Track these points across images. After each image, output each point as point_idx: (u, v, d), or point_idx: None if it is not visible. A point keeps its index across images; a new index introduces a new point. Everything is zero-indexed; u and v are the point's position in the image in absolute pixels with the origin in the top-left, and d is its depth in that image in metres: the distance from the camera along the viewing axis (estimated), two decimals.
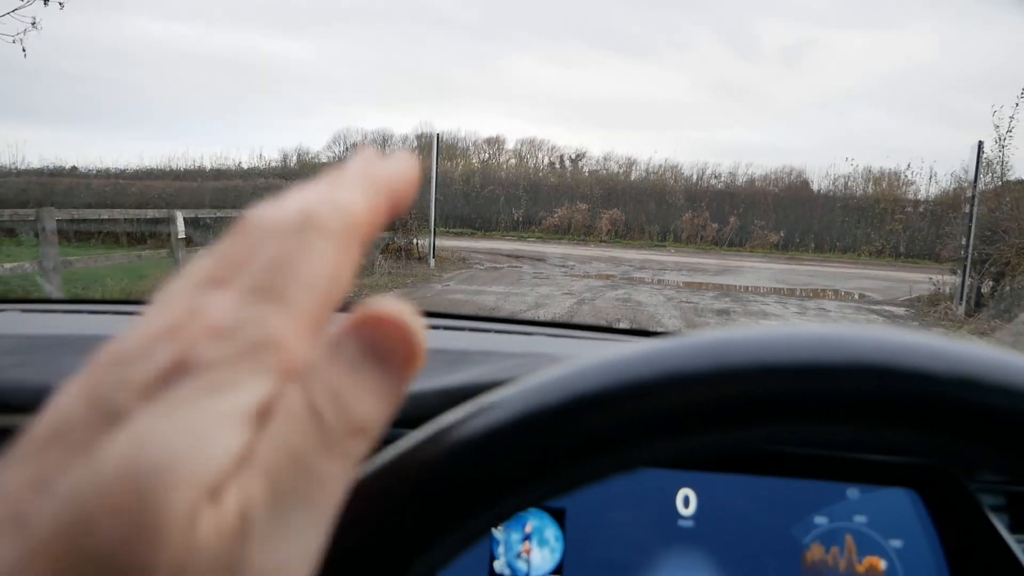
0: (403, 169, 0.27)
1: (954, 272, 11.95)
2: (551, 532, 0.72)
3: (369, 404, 0.23)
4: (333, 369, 0.23)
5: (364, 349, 0.23)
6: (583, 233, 24.95)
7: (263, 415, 0.21)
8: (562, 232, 25.13)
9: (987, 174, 12.83)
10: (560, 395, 0.28)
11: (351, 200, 0.25)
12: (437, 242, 14.89)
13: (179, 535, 0.19)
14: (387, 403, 0.23)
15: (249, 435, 0.21)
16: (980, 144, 11.70)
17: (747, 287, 13.84)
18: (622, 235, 24.93)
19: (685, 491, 0.73)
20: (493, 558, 0.72)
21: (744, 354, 0.27)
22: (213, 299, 0.22)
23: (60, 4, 10.18)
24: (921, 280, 13.25)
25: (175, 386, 0.20)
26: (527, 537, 0.72)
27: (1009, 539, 0.68)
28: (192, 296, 0.22)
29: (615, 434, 0.28)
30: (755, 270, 17.23)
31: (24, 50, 10.33)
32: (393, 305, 0.24)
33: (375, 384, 0.23)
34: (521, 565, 0.72)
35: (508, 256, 17.30)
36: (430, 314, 1.54)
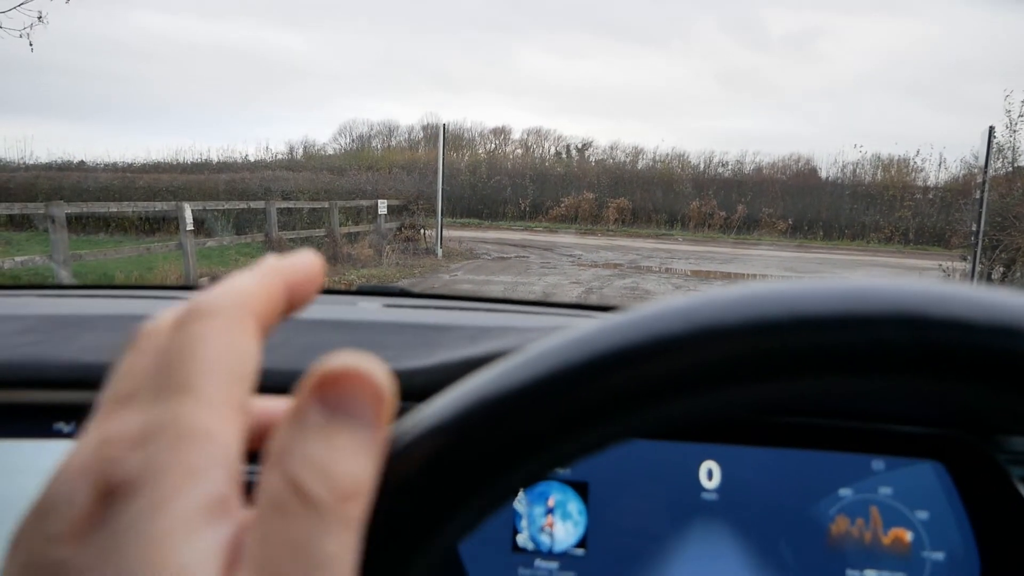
0: (304, 262, 0.28)
1: (964, 259, 11.89)
2: (574, 506, 0.72)
3: (353, 464, 0.22)
4: (305, 441, 0.21)
5: (330, 411, 0.22)
6: (590, 222, 24.90)
7: (222, 510, 0.20)
8: (569, 221, 25.09)
9: (998, 160, 12.75)
10: (600, 347, 0.27)
11: (241, 284, 0.25)
12: (444, 232, 14.88)
13: None
14: (370, 456, 0.22)
15: (217, 538, 0.19)
16: (991, 129, 11.60)
17: (755, 275, 13.80)
18: (629, 224, 24.87)
19: (708, 464, 0.72)
20: (516, 532, 0.72)
21: (780, 306, 0.27)
22: (122, 416, 0.21)
23: None
24: (931, 267, 13.19)
25: (114, 517, 0.19)
26: (550, 511, 0.72)
27: None
28: (101, 425, 0.21)
29: (649, 390, 0.27)
30: (763, 258, 17.17)
31: (31, 45, 10.35)
32: (345, 358, 0.23)
33: (353, 442, 0.22)
34: (544, 539, 0.72)
35: (515, 246, 17.28)
36: (446, 296, 1.54)
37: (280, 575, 0.20)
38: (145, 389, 0.21)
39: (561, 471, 0.72)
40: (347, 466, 0.22)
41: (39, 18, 10.22)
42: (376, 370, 0.23)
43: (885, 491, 0.71)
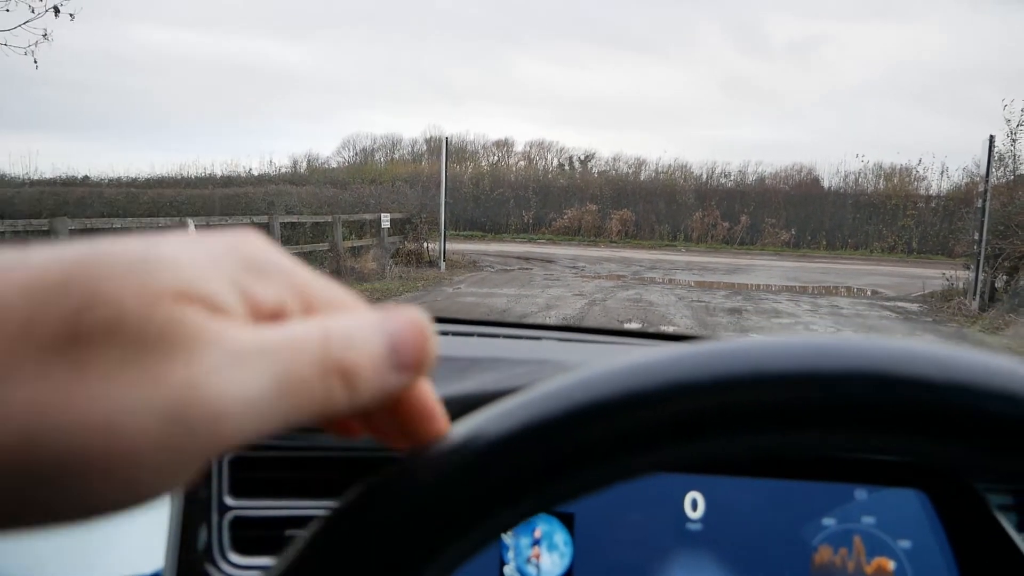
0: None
1: (967, 267, 11.87)
2: (560, 537, 0.73)
3: (372, 364, 0.24)
4: (356, 324, 0.24)
5: (385, 336, 0.25)
6: (593, 234, 24.92)
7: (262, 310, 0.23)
8: (572, 233, 25.11)
9: (999, 168, 12.74)
10: (585, 397, 0.28)
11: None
12: (447, 245, 14.91)
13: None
14: (385, 381, 0.25)
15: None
16: (991, 138, 11.61)
17: (759, 285, 13.79)
18: (632, 235, 24.89)
19: (693, 494, 0.73)
20: (503, 563, 0.73)
21: (750, 362, 0.28)
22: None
23: (71, 16, 10.28)
24: (934, 276, 13.16)
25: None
26: (536, 542, 0.73)
27: (1017, 538, 0.68)
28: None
29: (626, 441, 0.28)
30: (766, 268, 17.16)
31: (36, 62, 10.43)
32: (417, 313, 0.26)
33: (384, 359, 0.24)
34: (531, 570, 0.73)
35: (518, 258, 17.30)
36: (439, 319, 1.55)
37: (269, 350, 0.22)
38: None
39: None
40: (365, 358, 0.24)
41: (44, 36, 10.32)
42: (434, 340, 0.27)
43: (868, 520, 0.72)
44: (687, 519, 0.73)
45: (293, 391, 0.22)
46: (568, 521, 0.73)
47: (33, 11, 10.10)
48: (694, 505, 0.73)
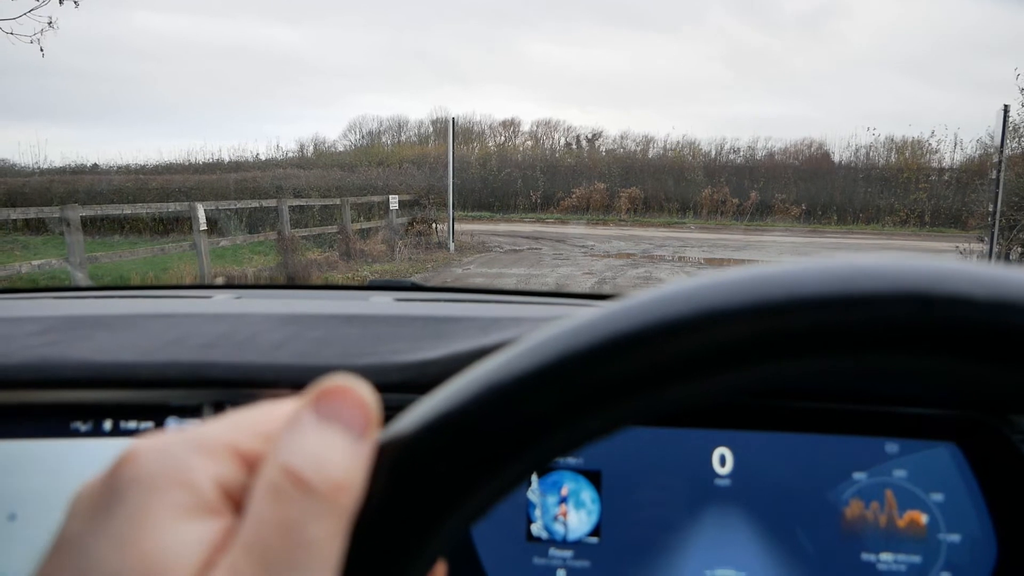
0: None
1: (981, 239, 11.76)
2: (587, 494, 0.72)
3: (344, 459, 0.24)
4: (303, 436, 0.24)
5: (323, 416, 0.25)
6: (602, 212, 24.82)
7: (208, 509, 0.23)
8: (581, 212, 25.02)
9: (1014, 139, 12.58)
10: (612, 328, 0.27)
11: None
12: (456, 226, 14.88)
13: None
14: (359, 459, 0.25)
15: (200, 530, 0.22)
16: (1006, 108, 11.46)
17: (769, 261, 13.70)
18: (641, 213, 24.77)
19: (721, 450, 0.72)
20: (530, 521, 0.72)
21: (784, 288, 0.27)
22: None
23: (75, 3, 10.23)
24: (947, 249, 13.05)
25: (116, 502, 0.23)
26: (563, 500, 0.72)
27: None
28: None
29: (653, 373, 0.27)
30: (777, 244, 17.07)
31: (42, 50, 10.41)
32: (339, 379, 0.26)
33: (344, 442, 0.25)
34: (558, 528, 0.72)
35: (527, 238, 17.26)
36: (456, 289, 1.54)
37: (269, 553, 0.22)
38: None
39: (574, 460, 0.73)
40: (339, 459, 0.24)
41: (49, 23, 10.28)
42: (361, 386, 0.26)
43: (899, 474, 0.71)
44: (715, 475, 0.72)
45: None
46: (595, 479, 0.72)
47: None
48: (722, 461, 0.72)
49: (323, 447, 0.24)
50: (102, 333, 0.75)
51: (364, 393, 0.26)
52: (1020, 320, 0.25)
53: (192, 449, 0.24)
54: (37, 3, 10.11)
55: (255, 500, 0.23)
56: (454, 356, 0.68)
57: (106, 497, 0.23)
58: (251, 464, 0.25)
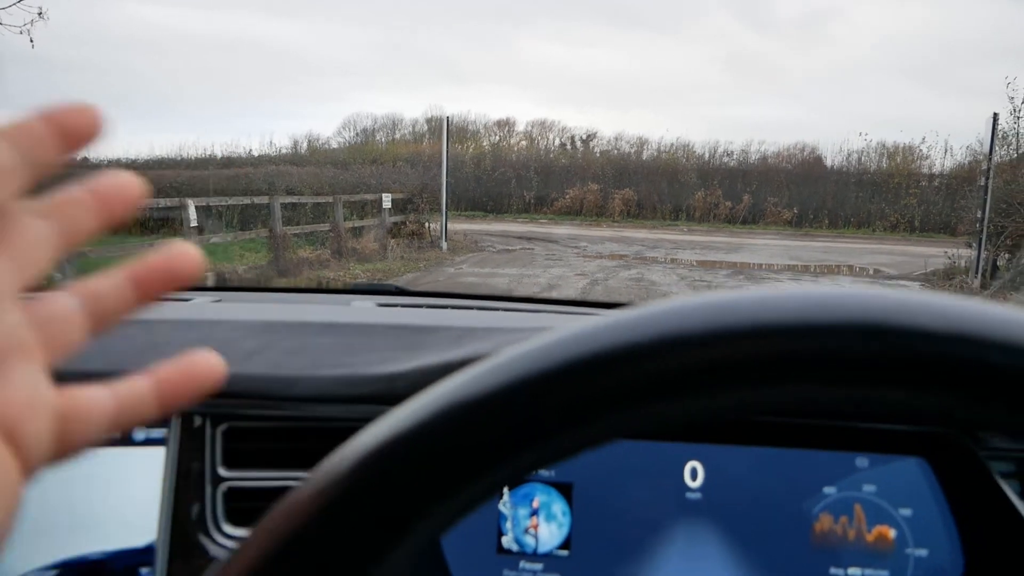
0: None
1: (969, 245, 11.83)
2: (558, 507, 0.72)
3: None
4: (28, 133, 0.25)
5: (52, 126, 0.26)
6: (595, 214, 24.84)
7: None
8: (574, 213, 25.04)
9: (1003, 146, 12.66)
10: (559, 357, 0.27)
11: None
12: (449, 225, 14.87)
13: None
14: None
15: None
16: (995, 116, 11.53)
17: (761, 264, 13.77)
18: (634, 215, 24.80)
19: (692, 463, 0.73)
20: (501, 533, 0.72)
21: (739, 315, 0.27)
22: None
23: None
24: (936, 254, 13.12)
25: None
26: (535, 512, 0.72)
27: (1020, 505, 0.67)
28: None
29: (605, 398, 0.27)
30: (768, 247, 17.12)
31: (32, 41, 10.35)
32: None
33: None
34: (529, 540, 0.72)
35: (520, 238, 17.26)
36: (441, 294, 1.54)
37: None
38: None
39: (546, 473, 0.73)
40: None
41: (39, 14, 10.22)
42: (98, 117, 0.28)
43: (869, 488, 0.72)
44: (687, 488, 0.72)
45: None
46: (566, 491, 0.72)
47: None
48: (694, 474, 0.72)
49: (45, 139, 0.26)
50: None
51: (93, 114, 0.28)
52: (968, 352, 0.26)
53: None
54: None
55: None
56: (423, 370, 0.68)
57: None
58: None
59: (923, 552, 0.70)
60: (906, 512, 0.71)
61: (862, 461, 0.72)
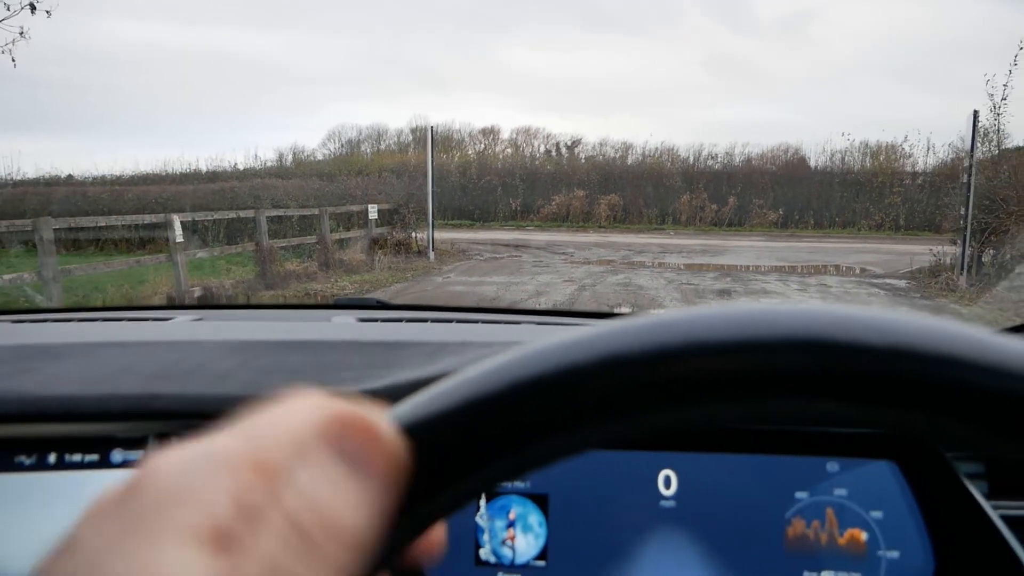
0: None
1: (954, 242, 11.92)
2: (535, 518, 0.73)
3: (354, 514, 0.22)
4: (315, 482, 0.22)
5: (339, 458, 0.23)
6: (582, 220, 24.91)
7: (225, 541, 0.21)
8: (560, 219, 25.09)
9: (984, 143, 12.78)
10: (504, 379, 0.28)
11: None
12: (436, 235, 14.87)
13: None
14: (373, 510, 0.23)
15: (219, 555, 0.20)
16: (975, 113, 11.64)
17: (748, 266, 13.83)
18: (621, 220, 24.89)
19: (666, 472, 0.74)
20: (479, 545, 0.73)
21: (682, 333, 0.28)
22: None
23: (48, 12, 10.15)
24: (922, 252, 13.21)
25: (126, 506, 0.21)
26: (511, 524, 0.73)
27: (986, 506, 0.68)
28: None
29: (549, 419, 0.28)
30: (755, 249, 17.20)
31: (14, 60, 10.31)
32: (361, 410, 0.24)
33: (357, 493, 0.23)
34: (506, 551, 0.73)
35: (507, 246, 17.28)
36: (422, 307, 1.55)
37: None
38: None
39: (521, 484, 0.74)
40: (348, 515, 0.22)
41: (20, 33, 10.19)
42: (386, 424, 0.24)
43: (840, 492, 0.73)
44: (661, 497, 0.73)
45: None
46: (542, 502, 0.73)
47: (8, 8, 9.98)
48: (667, 483, 0.73)
49: (337, 498, 0.22)
50: (49, 364, 0.75)
51: (389, 435, 0.24)
52: (918, 369, 0.26)
53: (211, 465, 0.22)
54: (8, 13, 10.03)
55: (260, 539, 0.21)
56: (395, 386, 0.69)
57: (120, 509, 0.22)
58: (270, 475, 0.23)
59: (895, 554, 0.71)
60: (877, 515, 0.72)
61: (833, 466, 0.73)
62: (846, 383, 0.26)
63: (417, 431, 0.27)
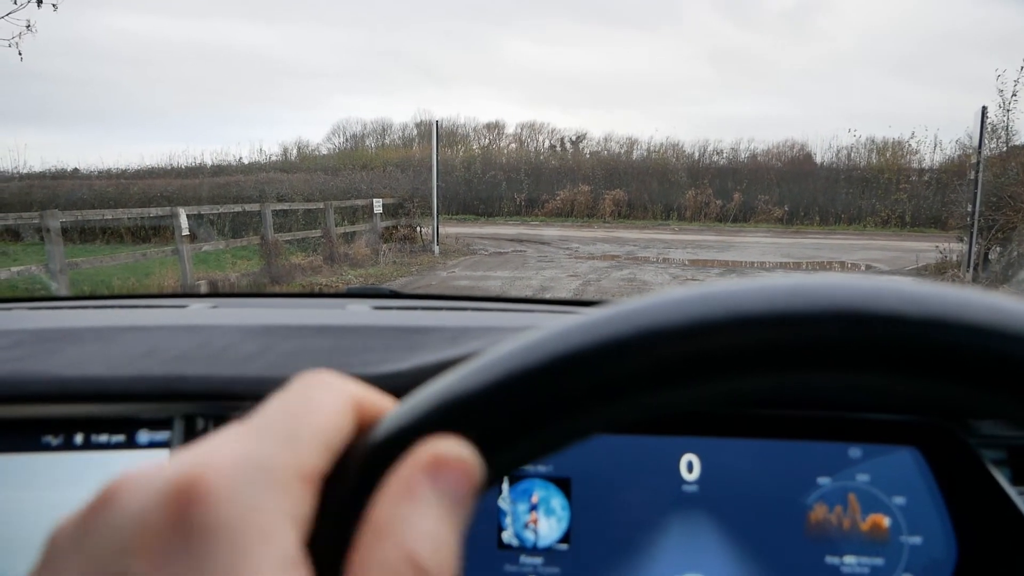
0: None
1: (961, 239, 11.90)
2: (557, 502, 0.73)
3: (455, 543, 0.24)
4: (423, 517, 0.24)
5: (443, 493, 0.24)
6: (586, 215, 24.90)
7: (296, 568, 0.22)
8: (565, 215, 25.08)
9: (992, 140, 12.74)
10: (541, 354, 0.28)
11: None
12: (441, 229, 14.87)
13: None
14: (458, 538, 0.25)
15: None
16: (984, 109, 11.60)
17: (752, 262, 13.81)
18: (625, 215, 24.87)
19: (689, 456, 0.74)
20: (501, 529, 0.73)
21: (722, 306, 0.28)
22: (215, 445, 0.25)
23: (54, 6, 10.16)
24: (928, 249, 13.19)
25: (195, 547, 0.21)
26: (534, 507, 0.73)
27: (1011, 491, 0.68)
28: (190, 450, 0.25)
29: (586, 394, 0.28)
30: (760, 245, 17.18)
31: (20, 54, 10.32)
32: (451, 444, 0.25)
33: (455, 523, 0.24)
34: (529, 535, 0.73)
35: (512, 240, 17.28)
36: (434, 296, 1.55)
37: None
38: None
39: (544, 468, 0.74)
40: (452, 543, 0.24)
41: (27, 27, 10.20)
42: (470, 456, 0.26)
43: (862, 478, 0.73)
44: (683, 481, 0.73)
45: None
46: (565, 486, 0.73)
47: (15, 2, 9.99)
48: (690, 467, 0.73)
49: (442, 531, 0.24)
50: (72, 346, 0.75)
51: (474, 467, 0.26)
52: (948, 337, 0.26)
53: (263, 486, 0.23)
54: (15, 6, 10.03)
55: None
56: (421, 368, 0.69)
57: (178, 542, 0.21)
58: (314, 483, 0.24)
59: (917, 540, 0.71)
60: (900, 501, 0.72)
61: (855, 452, 0.73)
62: (900, 354, 0.26)
63: (487, 448, 0.27)
